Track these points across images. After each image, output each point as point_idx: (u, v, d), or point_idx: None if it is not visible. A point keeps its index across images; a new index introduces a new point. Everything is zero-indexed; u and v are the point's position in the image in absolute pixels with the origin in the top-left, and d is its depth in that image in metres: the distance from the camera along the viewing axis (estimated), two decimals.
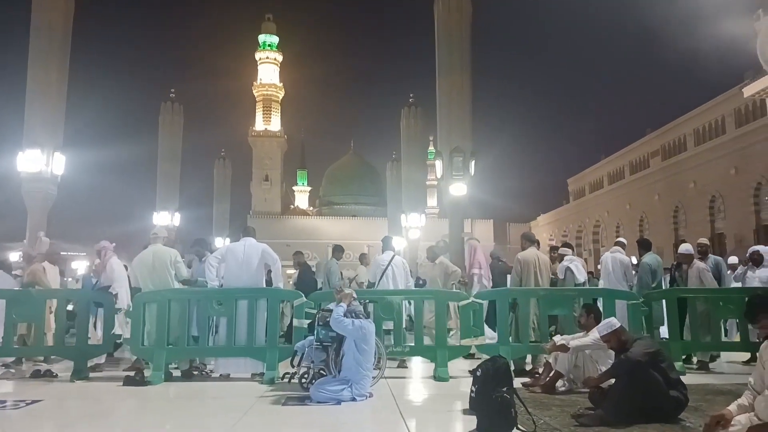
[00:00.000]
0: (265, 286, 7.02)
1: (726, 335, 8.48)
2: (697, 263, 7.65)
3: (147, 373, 6.29)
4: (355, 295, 5.85)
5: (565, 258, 8.44)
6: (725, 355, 7.77)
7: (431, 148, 52.75)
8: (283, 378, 6.18)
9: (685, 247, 7.88)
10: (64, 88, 16.18)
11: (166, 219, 31.04)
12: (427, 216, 40.45)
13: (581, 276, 8.29)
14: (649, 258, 8.13)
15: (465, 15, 23.06)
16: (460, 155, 22.29)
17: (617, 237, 21.22)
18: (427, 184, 56.33)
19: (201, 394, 5.86)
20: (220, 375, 6.69)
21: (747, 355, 7.38)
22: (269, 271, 7.31)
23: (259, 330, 6.53)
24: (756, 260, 8.52)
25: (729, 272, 9.25)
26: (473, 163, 22.44)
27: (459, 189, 22.02)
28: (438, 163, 23.25)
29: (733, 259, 11.01)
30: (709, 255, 8.26)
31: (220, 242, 36.65)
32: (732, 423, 3.03)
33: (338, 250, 11.28)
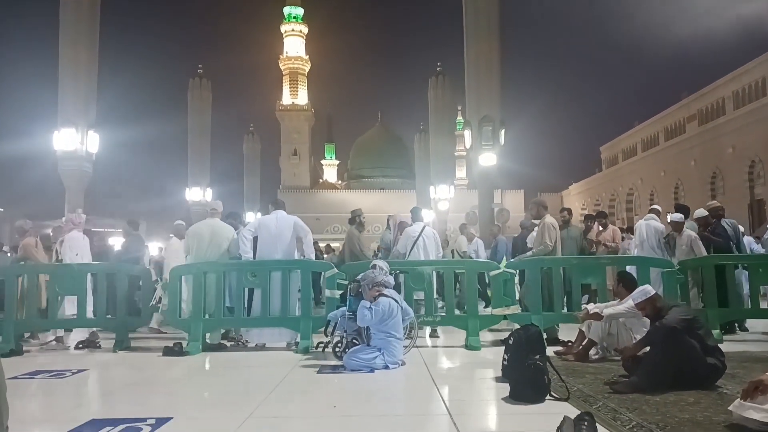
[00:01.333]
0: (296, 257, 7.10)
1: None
2: (688, 232, 7.47)
3: (184, 343, 6.48)
4: (385, 267, 5.89)
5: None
6: (763, 323, 7.60)
7: (459, 118, 52.18)
8: (317, 347, 6.31)
9: (677, 216, 7.68)
10: (95, 67, 16.43)
11: (198, 194, 31.60)
12: (456, 187, 40.23)
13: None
14: (688, 224, 7.96)
15: None
16: (490, 124, 22.00)
17: (651, 205, 20.81)
18: (455, 155, 55.91)
19: (238, 363, 6.03)
20: (256, 345, 6.86)
21: None
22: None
23: (293, 300, 6.65)
24: None
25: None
26: (503, 132, 22.14)
27: (488, 159, 21.80)
28: (467, 133, 23.01)
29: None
30: (724, 219, 7.90)
31: (251, 216, 37.20)
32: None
33: (356, 215, 9.21)
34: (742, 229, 11.13)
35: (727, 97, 27.79)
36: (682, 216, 7.73)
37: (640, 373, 4.19)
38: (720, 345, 4.87)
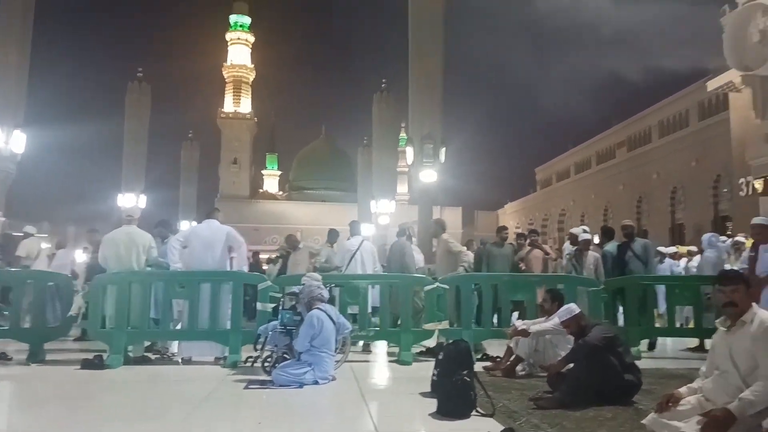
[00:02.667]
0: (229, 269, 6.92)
1: (684, 322, 8.72)
2: (592, 253, 7.88)
3: (105, 356, 6.18)
4: (317, 281, 5.83)
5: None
6: (679, 342, 7.98)
7: (403, 135, 52.73)
8: (246, 362, 6.14)
9: (583, 235, 8.08)
10: (25, 66, 15.69)
11: (131, 200, 30.51)
12: (397, 202, 40.56)
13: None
14: (611, 246, 8.30)
15: (438, 2, 23.00)
16: (431, 142, 22.39)
17: (581, 225, 21.64)
18: (398, 170, 56.30)
19: (161, 377, 5.80)
20: (182, 359, 6.63)
21: (696, 341, 7.63)
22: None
23: (223, 313, 6.47)
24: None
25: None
26: (443, 150, 22.56)
27: (429, 176, 22.14)
28: (409, 150, 23.29)
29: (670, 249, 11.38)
30: (636, 238, 8.15)
31: (187, 225, 36.15)
32: (681, 402, 3.12)
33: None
34: (672, 249, 11.75)
35: (654, 126, 29.41)
36: (590, 236, 8.09)
37: (563, 389, 4.31)
38: (637, 362, 5.09)
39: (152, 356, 6.81)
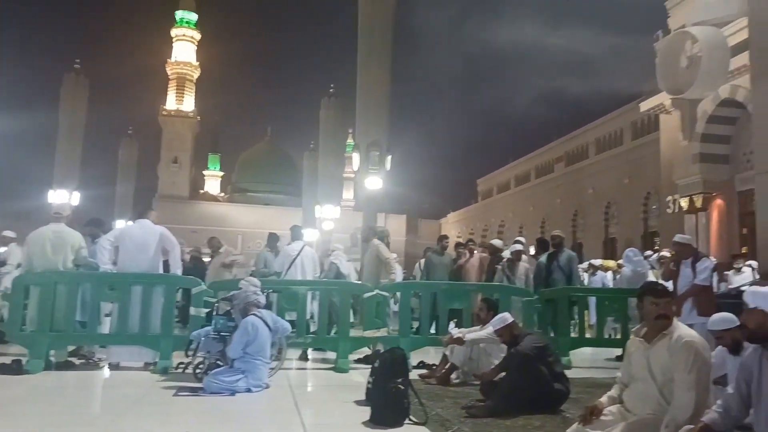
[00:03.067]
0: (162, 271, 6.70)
1: (613, 333, 9.06)
2: (523, 263, 8.18)
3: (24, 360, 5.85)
4: (255, 286, 5.73)
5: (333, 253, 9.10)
6: (607, 352, 8.28)
7: (350, 141, 52.72)
8: (177, 368, 5.96)
9: (517, 246, 8.38)
10: None
11: (63, 197, 29.09)
12: (342, 208, 40.44)
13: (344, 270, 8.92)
14: (545, 257, 8.55)
15: (388, 10, 23.21)
16: (377, 149, 22.50)
17: (519, 236, 22.23)
18: (344, 176, 56.26)
19: (85, 383, 5.55)
20: (109, 364, 6.36)
21: (620, 351, 7.94)
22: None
23: (154, 317, 6.26)
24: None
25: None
26: (389, 158, 22.72)
27: (374, 183, 22.23)
28: (355, 156, 23.34)
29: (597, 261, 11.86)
30: (564, 249, 8.37)
31: (123, 224, 34.83)
32: (604, 413, 3.23)
33: (272, 239, 9.40)
34: (598, 262, 12.18)
35: (591, 142, 30.59)
36: (521, 246, 8.35)
37: (494, 397, 4.39)
38: (567, 370, 5.26)
39: (77, 361, 6.49)
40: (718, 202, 18.02)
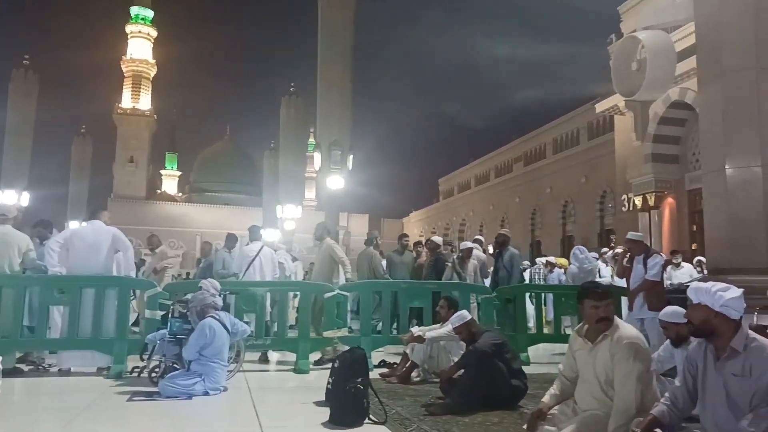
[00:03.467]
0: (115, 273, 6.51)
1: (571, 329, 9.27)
2: (472, 261, 8.35)
3: None
4: (214, 288, 5.62)
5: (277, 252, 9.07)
6: (565, 347, 8.47)
7: (311, 140, 52.42)
8: (131, 372, 5.81)
9: (468, 243, 8.56)
10: None
11: (11, 198, 27.99)
12: (304, 208, 40.17)
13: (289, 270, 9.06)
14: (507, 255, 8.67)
15: (348, 10, 23.18)
16: (339, 149, 22.43)
17: (479, 235, 22.50)
18: (305, 175, 55.88)
19: (34, 390, 5.35)
20: (60, 370, 6.14)
21: None
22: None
23: (107, 321, 6.08)
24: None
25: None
26: (351, 157, 22.69)
27: (336, 182, 22.16)
28: (317, 155, 23.21)
29: (551, 259, 12.09)
30: (509, 248, 8.53)
31: (75, 225, 33.76)
32: (550, 413, 3.30)
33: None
34: (552, 259, 12.41)
35: (548, 143, 31.19)
36: (469, 243, 8.52)
37: (453, 395, 4.43)
38: (525, 366, 5.34)
39: (26, 367, 6.26)
40: (670, 200, 18.63)
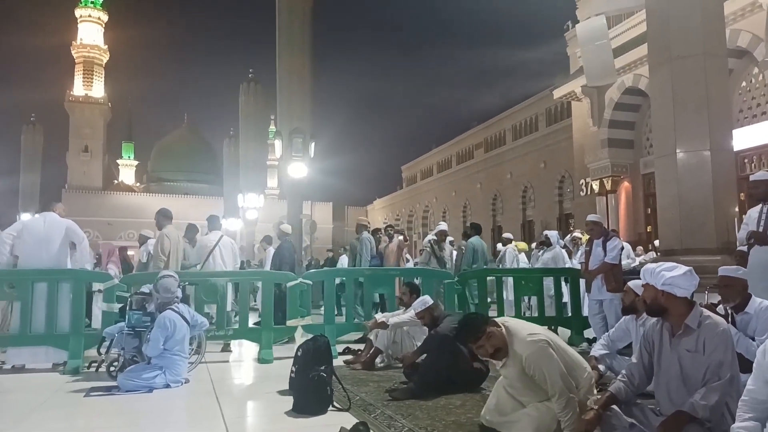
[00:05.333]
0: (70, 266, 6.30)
1: (530, 311, 9.46)
2: (447, 245, 8.49)
3: None
4: (172, 279, 5.51)
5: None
6: None
7: (272, 127, 51.75)
8: (89, 367, 5.67)
9: (440, 226, 8.71)
10: None
11: None
12: (266, 197, 39.71)
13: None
14: (475, 240, 8.78)
15: None
16: (300, 136, 22.17)
17: (443, 221, 22.69)
18: (267, 163, 55.20)
19: None
20: (13, 366, 5.94)
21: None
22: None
23: (62, 315, 5.90)
24: (544, 243, 9.48)
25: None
26: (313, 144, 22.48)
27: (298, 170, 21.93)
28: (277, 143, 22.92)
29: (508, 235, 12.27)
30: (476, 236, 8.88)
31: (28, 218, 32.58)
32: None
33: (190, 230, 8.89)
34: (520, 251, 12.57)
35: (508, 129, 31.58)
36: (446, 228, 8.61)
37: (416, 379, 4.47)
38: None
39: None
40: (626, 184, 19.15)
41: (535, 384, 3.25)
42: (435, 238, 8.73)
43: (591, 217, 6.90)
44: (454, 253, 9.16)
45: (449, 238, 9.38)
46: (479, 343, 3.32)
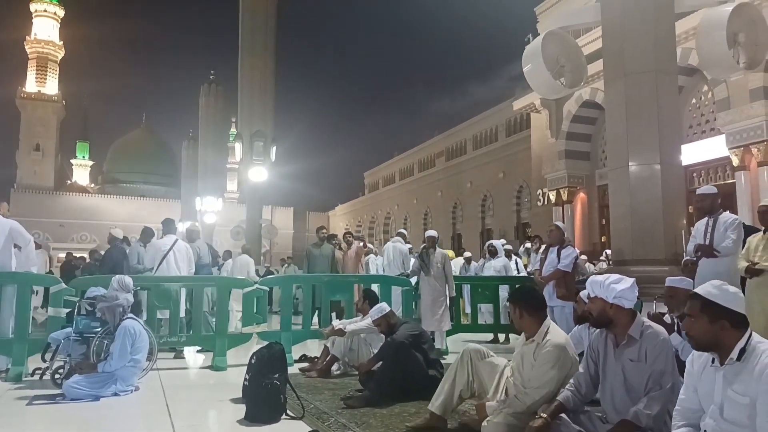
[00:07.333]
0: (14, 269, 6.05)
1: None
2: (441, 250, 8.33)
3: None
4: (125, 284, 5.36)
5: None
6: (480, 336, 8.73)
7: (233, 130, 51.06)
8: (33, 374, 5.46)
9: (432, 232, 8.62)
10: None
11: None
12: (225, 200, 39.13)
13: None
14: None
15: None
16: (261, 140, 21.98)
17: (404, 228, 22.79)
18: (227, 167, 54.40)
19: None
20: None
21: (490, 336, 8.47)
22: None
23: (5, 320, 5.66)
24: (491, 252, 9.58)
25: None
26: (274, 149, 22.29)
27: (259, 174, 21.71)
28: (238, 146, 22.62)
29: (467, 254, 12.36)
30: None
31: None
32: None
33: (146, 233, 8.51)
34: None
35: (469, 139, 32.03)
36: (436, 232, 8.54)
37: (371, 387, 4.46)
38: (445, 356, 5.46)
39: None
40: (581, 195, 19.64)
41: (520, 381, 3.30)
42: (425, 244, 8.55)
43: (557, 222, 7.05)
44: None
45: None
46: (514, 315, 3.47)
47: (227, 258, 13.16)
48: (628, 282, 2.92)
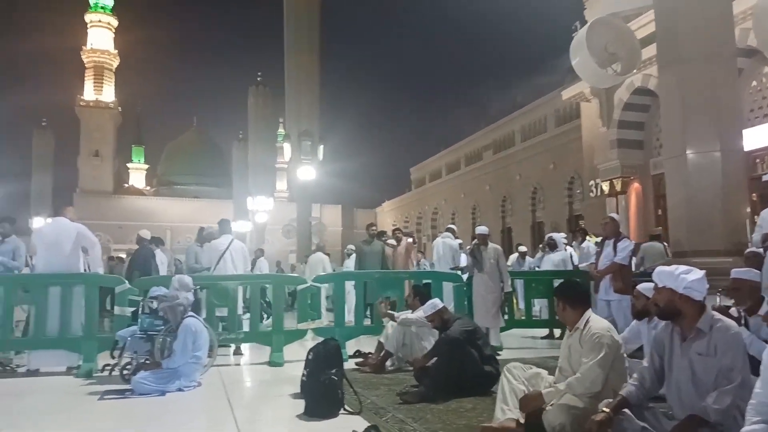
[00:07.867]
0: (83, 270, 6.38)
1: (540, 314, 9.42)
2: (493, 245, 8.06)
3: None
4: (186, 283, 5.55)
5: None
6: (535, 331, 8.62)
7: (281, 130, 51.92)
8: (102, 370, 5.73)
9: (482, 228, 8.45)
10: None
11: None
12: (275, 199, 39.84)
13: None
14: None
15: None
16: (309, 139, 22.28)
17: (452, 223, 22.66)
18: (276, 166, 55.37)
19: (1, 392, 5.21)
20: (28, 370, 6.02)
21: (546, 331, 8.33)
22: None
23: (75, 319, 5.97)
24: (551, 245, 9.42)
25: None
26: (322, 147, 22.56)
27: (307, 173, 22.00)
28: (286, 146, 23.01)
29: (522, 248, 12.12)
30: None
31: (40, 222, 32.88)
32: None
33: (200, 233, 9.06)
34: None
35: (517, 130, 31.46)
36: (487, 229, 8.43)
37: (426, 382, 4.48)
38: (499, 351, 5.42)
39: None
40: (636, 185, 19.02)
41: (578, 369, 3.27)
42: (476, 241, 8.47)
43: (611, 214, 6.89)
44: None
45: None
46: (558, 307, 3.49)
47: (259, 256, 13.40)
48: (698, 273, 2.83)
